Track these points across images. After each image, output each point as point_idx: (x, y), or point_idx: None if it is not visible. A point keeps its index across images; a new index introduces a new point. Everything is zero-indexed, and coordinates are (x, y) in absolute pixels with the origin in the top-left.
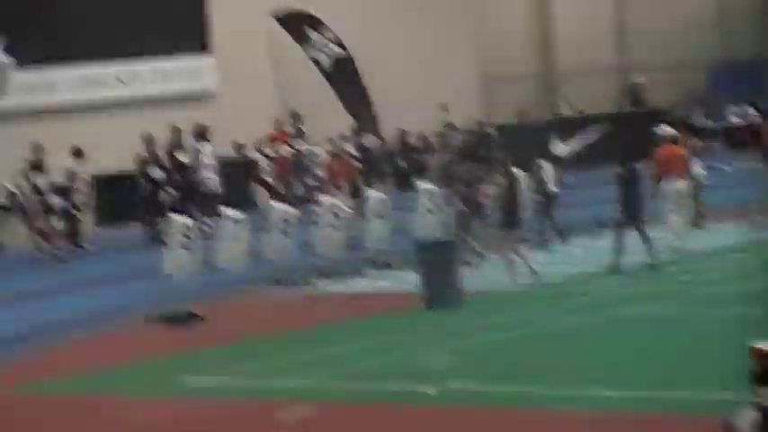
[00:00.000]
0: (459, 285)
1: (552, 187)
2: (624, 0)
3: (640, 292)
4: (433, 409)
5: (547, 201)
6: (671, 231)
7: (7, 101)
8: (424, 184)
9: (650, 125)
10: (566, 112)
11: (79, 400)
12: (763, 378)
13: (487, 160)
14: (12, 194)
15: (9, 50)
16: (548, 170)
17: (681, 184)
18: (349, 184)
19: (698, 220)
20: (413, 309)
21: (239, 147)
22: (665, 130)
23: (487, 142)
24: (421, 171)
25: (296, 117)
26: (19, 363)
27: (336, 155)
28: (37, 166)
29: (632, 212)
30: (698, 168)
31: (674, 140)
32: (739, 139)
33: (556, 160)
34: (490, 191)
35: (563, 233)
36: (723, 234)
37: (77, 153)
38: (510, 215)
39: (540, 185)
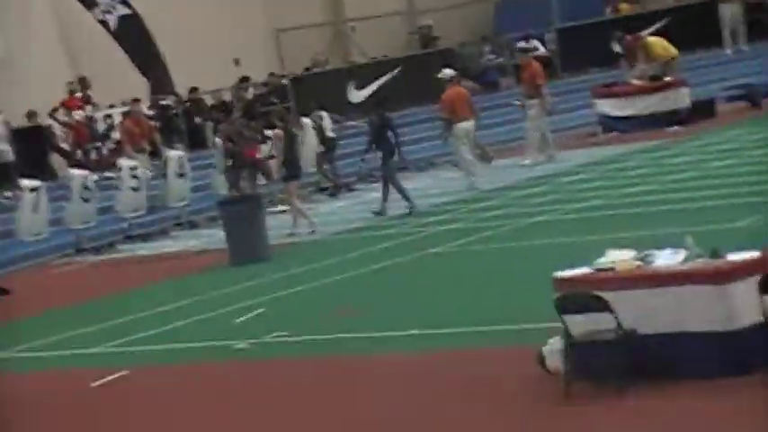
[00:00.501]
0: (264, 239)
1: (330, 134)
2: None
3: (451, 231)
4: (247, 363)
5: (327, 149)
6: (467, 169)
7: None
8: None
9: (440, 66)
10: (359, 59)
11: None
12: (565, 306)
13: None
14: None
15: None
16: (326, 119)
17: (468, 124)
18: (148, 145)
19: (484, 155)
20: (220, 266)
21: (32, 115)
22: (447, 72)
23: (283, 94)
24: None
25: (84, 83)
26: None
27: (132, 116)
28: None
29: (385, 161)
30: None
31: (457, 81)
32: None
33: (353, 107)
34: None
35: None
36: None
37: None
38: (290, 166)
39: (320, 134)
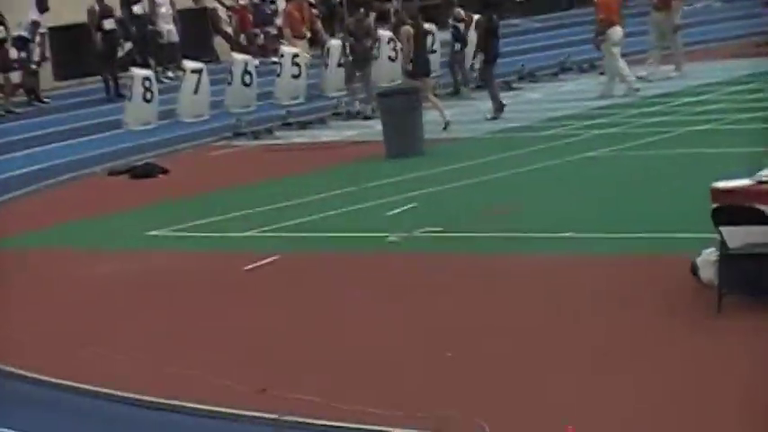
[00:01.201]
0: (420, 134)
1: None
2: None
3: (608, 135)
4: (397, 256)
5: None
6: (620, 75)
7: None
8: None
9: None
10: None
11: (40, 253)
12: (722, 218)
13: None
14: None
15: None
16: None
17: (620, 29)
18: (308, 32)
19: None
20: (375, 157)
21: None
22: None
23: None
24: (381, 17)
25: None
26: None
27: (294, 2)
28: None
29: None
30: None
31: None
32: None
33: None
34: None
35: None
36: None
37: (41, 5)
38: (421, 63)
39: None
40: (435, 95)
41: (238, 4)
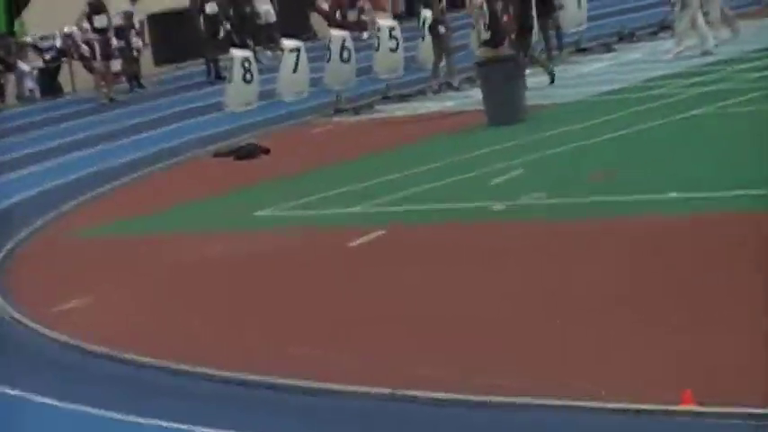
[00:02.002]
0: (522, 100)
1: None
2: None
3: (712, 92)
4: (505, 224)
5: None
6: (703, 34)
7: None
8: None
9: None
10: None
11: (150, 238)
12: None
13: None
14: (69, 37)
15: None
16: None
17: None
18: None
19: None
20: (477, 126)
21: None
22: None
23: None
24: None
25: None
26: (89, 206)
27: None
28: (97, 7)
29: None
30: None
31: None
32: None
33: None
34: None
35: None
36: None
37: None
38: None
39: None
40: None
41: None
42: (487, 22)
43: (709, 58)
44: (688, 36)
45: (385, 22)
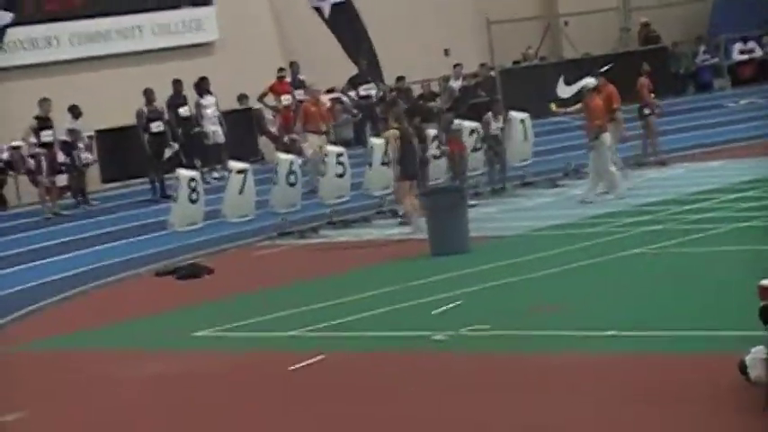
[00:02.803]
0: (465, 231)
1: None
2: None
3: (654, 232)
4: (444, 354)
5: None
6: (610, 180)
7: (10, 56)
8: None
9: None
10: (570, 54)
11: (88, 354)
12: None
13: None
14: (16, 151)
15: (9, 6)
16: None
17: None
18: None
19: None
20: (421, 255)
21: (242, 97)
22: (590, 81)
23: (491, 86)
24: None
25: (293, 67)
26: (27, 320)
27: (310, 97)
28: (44, 122)
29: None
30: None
31: (599, 91)
32: (744, 76)
33: (562, 102)
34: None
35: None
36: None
37: (74, 112)
38: (405, 165)
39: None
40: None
41: (282, 105)
42: (399, 156)
43: (651, 198)
44: (600, 180)
45: (333, 148)
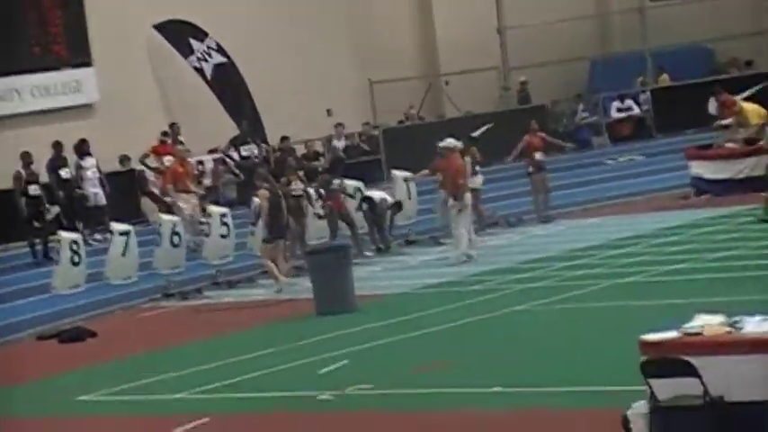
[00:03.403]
0: (351, 290)
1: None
2: (501, 0)
3: (536, 289)
4: (331, 415)
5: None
6: (458, 241)
7: None
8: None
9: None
10: (452, 113)
11: None
12: (651, 370)
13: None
14: None
15: None
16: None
17: (468, 196)
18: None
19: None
20: (306, 315)
21: (124, 159)
22: (450, 141)
23: (374, 146)
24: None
25: (173, 129)
26: None
27: (177, 157)
28: None
29: None
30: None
31: (460, 151)
32: (622, 134)
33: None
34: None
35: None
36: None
37: None
38: (275, 227)
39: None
40: (285, 260)
41: (164, 166)
42: (266, 217)
43: (534, 255)
44: (462, 239)
45: (218, 209)
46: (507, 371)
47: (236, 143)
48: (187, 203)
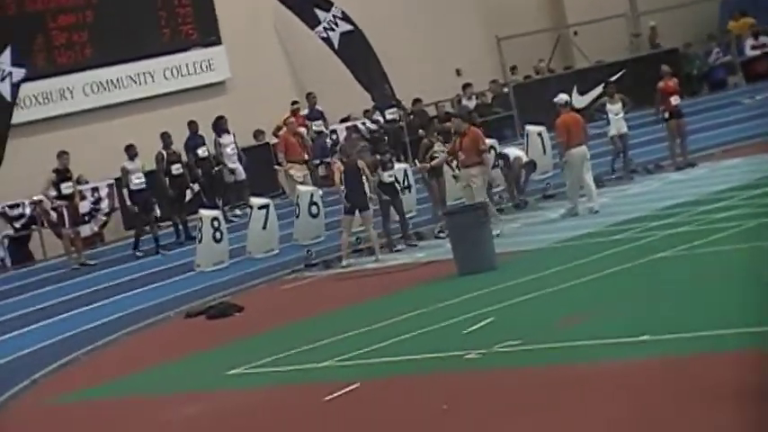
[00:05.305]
0: (490, 248)
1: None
2: None
3: (678, 234)
4: (478, 373)
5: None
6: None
7: (25, 112)
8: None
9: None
10: (581, 63)
11: (128, 399)
12: None
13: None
14: (37, 205)
15: (20, 62)
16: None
17: (583, 149)
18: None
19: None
20: (448, 276)
21: (259, 133)
22: (562, 97)
23: (505, 103)
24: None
25: (309, 99)
26: (68, 369)
27: (288, 128)
28: (63, 174)
29: None
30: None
31: (572, 107)
32: (757, 72)
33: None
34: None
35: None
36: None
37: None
38: (353, 198)
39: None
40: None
41: (294, 137)
42: (343, 189)
43: (675, 201)
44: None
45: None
46: (655, 319)
47: (380, 107)
48: (299, 172)
